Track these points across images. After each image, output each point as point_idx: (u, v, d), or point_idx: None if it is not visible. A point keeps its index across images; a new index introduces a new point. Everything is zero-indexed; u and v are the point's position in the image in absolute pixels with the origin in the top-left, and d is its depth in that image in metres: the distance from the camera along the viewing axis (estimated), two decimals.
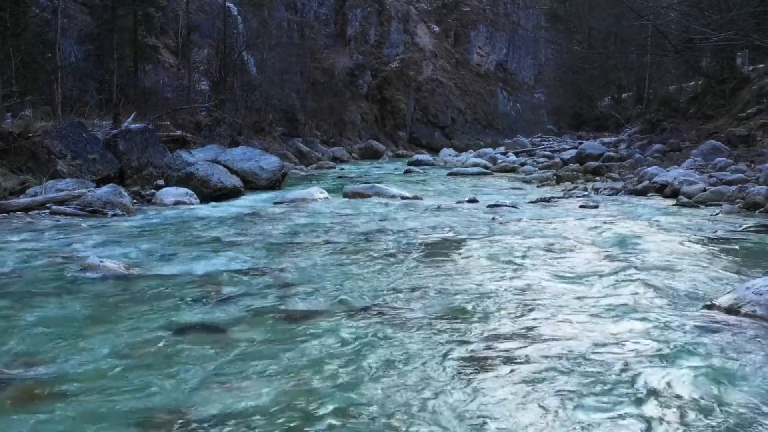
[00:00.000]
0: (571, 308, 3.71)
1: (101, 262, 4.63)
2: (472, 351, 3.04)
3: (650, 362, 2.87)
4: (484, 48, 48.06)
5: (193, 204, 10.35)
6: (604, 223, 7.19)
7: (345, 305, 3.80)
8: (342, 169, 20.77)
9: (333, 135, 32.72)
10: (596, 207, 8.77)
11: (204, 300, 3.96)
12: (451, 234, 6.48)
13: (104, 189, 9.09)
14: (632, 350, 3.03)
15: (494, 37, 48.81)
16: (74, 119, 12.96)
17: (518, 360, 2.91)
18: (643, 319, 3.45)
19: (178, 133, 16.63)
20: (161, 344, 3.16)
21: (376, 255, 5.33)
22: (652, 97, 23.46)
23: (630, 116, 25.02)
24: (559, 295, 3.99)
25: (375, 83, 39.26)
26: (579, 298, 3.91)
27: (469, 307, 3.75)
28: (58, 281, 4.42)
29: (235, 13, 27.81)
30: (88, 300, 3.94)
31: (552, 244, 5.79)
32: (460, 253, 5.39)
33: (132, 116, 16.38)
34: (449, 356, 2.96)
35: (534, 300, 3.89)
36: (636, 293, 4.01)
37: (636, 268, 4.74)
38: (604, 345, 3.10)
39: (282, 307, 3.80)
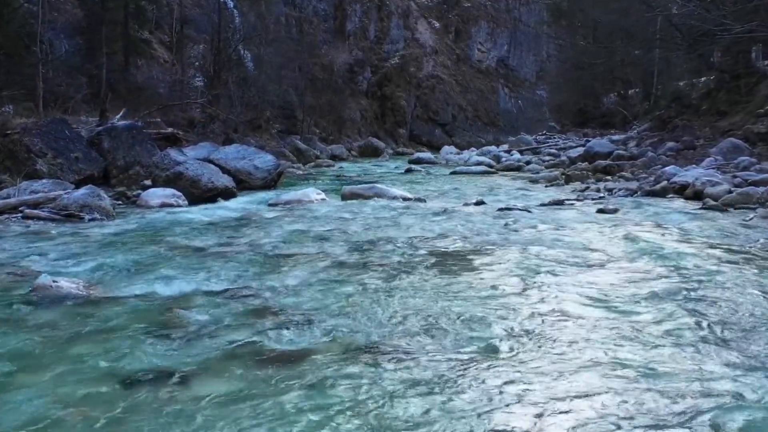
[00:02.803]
0: (620, 348, 3.02)
1: (54, 282, 3.93)
2: (503, 412, 2.35)
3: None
4: (485, 44, 47.37)
5: (180, 206, 9.66)
6: (629, 230, 6.49)
7: (340, 342, 3.10)
8: (341, 167, 20.07)
9: (332, 132, 32.02)
10: (616, 211, 8.06)
11: (168, 334, 3.26)
12: (461, 243, 5.78)
13: (81, 191, 8.37)
14: (710, 412, 2.33)
15: (495, 34, 48.14)
16: (56, 116, 12.25)
17: (565, 426, 2.22)
18: (712, 368, 2.76)
19: (170, 130, 15.91)
20: (104, 401, 2.46)
21: (377, 271, 4.63)
22: (660, 93, 22.75)
23: (637, 113, 24.33)
24: (601, 328, 3.30)
25: (375, 80, 38.58)
26: (626, 334, 3.21)
27: (494, 345, 3.06)
28: None
29: (231, 6, 27.08)
30: (27, 334, 3.24)
31: (577, 257, 5.09)
32: (474, 269, 4.69)
33: (122, 112, 15.68)
34: (476, 421, 2.27)
35: (573, 336, 3.20)
36: (692, 327, 3.31)
37: (683, 290, 4.05)
38: (673, 405, 2.40)
39: (262, 344, 3.10)
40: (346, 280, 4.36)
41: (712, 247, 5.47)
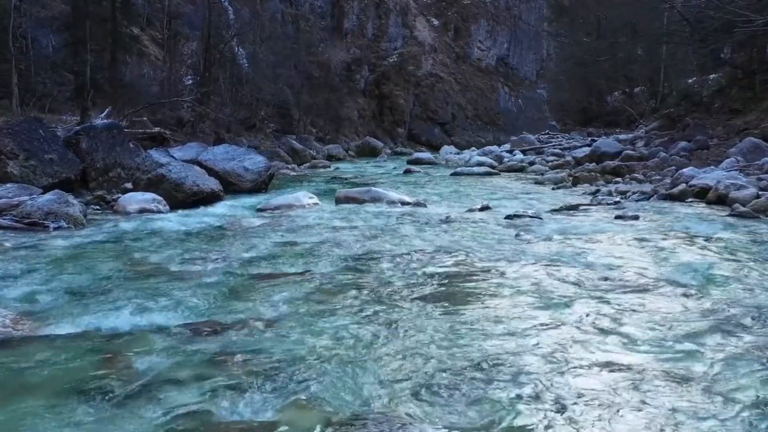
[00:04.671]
0: (681, 414, 2.27)
1: None
2: None
3: None
4: (484, 42, 46.67)
5: (161, 212, 8.91)
6: (656, 242, 5.74)
7: (318, 410, 2.34)
8: (337, 168, 19.29)
9: (329, 132, 31.30)
10: (636, 218, 7.31)
11: (97, 394, 2.50)
12: (468, 260, 5.01)
13: (47, 196, 7.60)
14: None
15: (495, 32, 47.46)
16: (31, 114, 11.48)
17: None
18: None
19: (156, 129, 15.15)
20: None
21: (371, 300, 3.87)
22: (667, 90, 22.00)
23: (643, 112, 23.57)
24: (657, 387, 2.54)
25: (373, 78, 37.88)
26: (690, 393, 2.46)
27: (517, 415, 2.30)
28: None
29: (226, 2, 26.31)
30: None
31: (604, 279, 4.33)
32: (485, 297, 3.92)
33: (106, 111, 14.92)
34: None
35: (619, 399, 2.44)
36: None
37: (742, 325, 3.29)
38: None
39: (214, 413, 2.34)
40: (332, 312, 3.59)
41: (758, 263, 4.72)
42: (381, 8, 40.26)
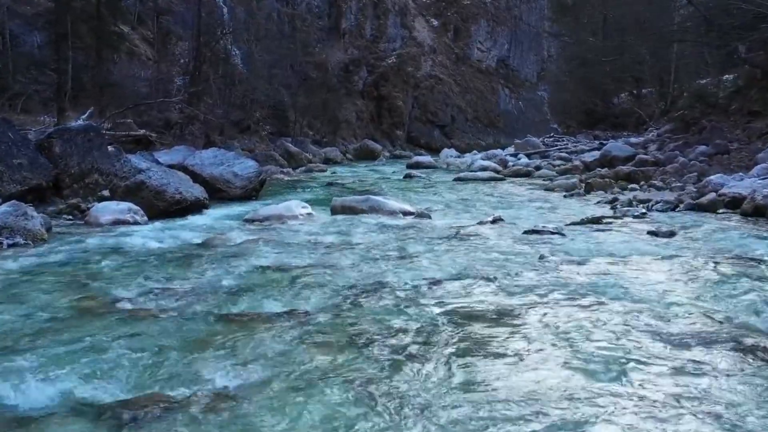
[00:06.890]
0: None
1: None
2: None
3: None
4: (485, 43, 45.83)
5: (137, 224, 8.04)
6: (707, 266, 4.86)
7: None
8: (334, 172, 18.38)
9: (326, 134, 30.40)
10: (672, 234, 6.43)
11: None
12: (487, 294, 4.11)
13: (2, 208, 6.67)
14: None
15: (495, 32, 46.61)
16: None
17: None
18: None
19: (141, 132, 14.25)
20: None
21: (368, 355, 2.97)
22: (678, 92, 21.13)
23: (652, 114, 22.70)
24: None
25: (371, 79, 36.98)
26: None
27: None
28: None
29: (220, 1, 25.46)
30: None
31: (661, 322, 3.45)
32: (514, 351, 3.01)
33: (88, 112, 14.03)
34: None
35: None
36: None
37: None
38: None
39: None
40: (318, 379, 2.69)
41: None
42: (379, 8, 39.38)
